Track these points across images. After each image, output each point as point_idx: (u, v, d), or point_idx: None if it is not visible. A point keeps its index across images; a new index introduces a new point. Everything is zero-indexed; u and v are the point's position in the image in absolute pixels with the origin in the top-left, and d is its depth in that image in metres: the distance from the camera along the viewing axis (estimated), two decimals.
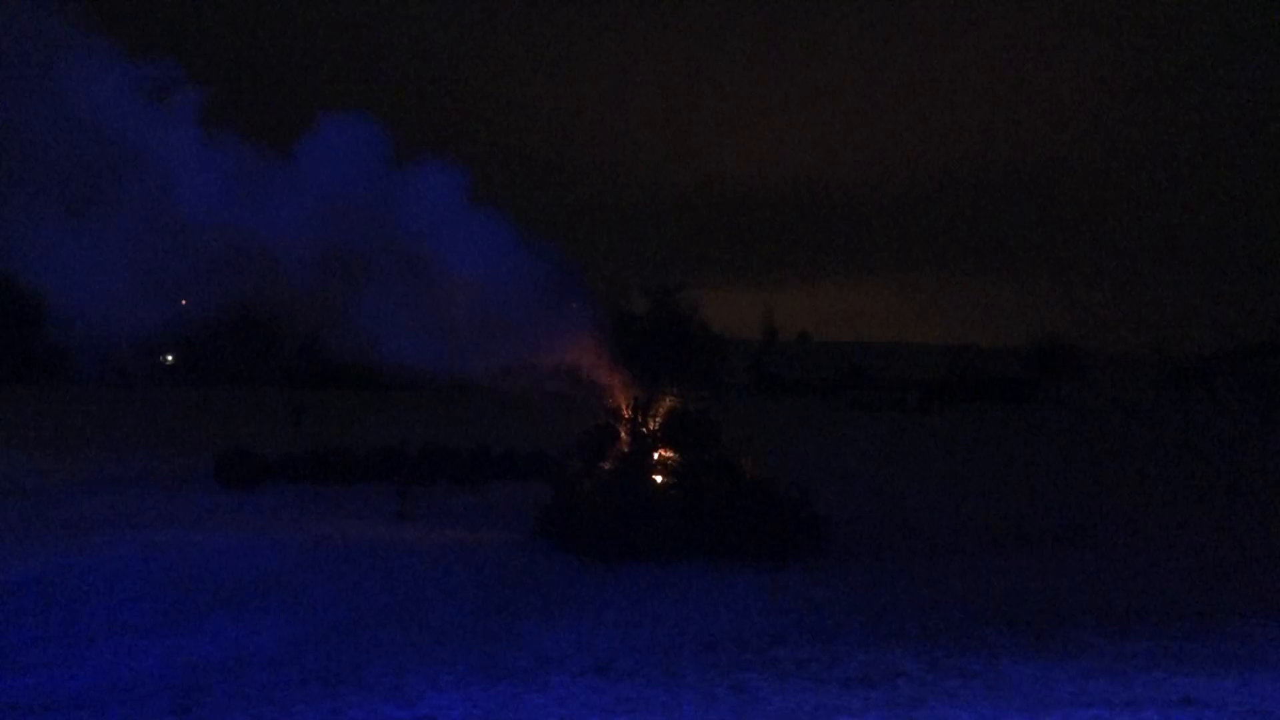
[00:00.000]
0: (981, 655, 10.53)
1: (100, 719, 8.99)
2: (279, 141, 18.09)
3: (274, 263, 17.45)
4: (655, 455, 18.27)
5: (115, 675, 10.34)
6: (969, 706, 8.53)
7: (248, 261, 17.43)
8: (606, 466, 18.14)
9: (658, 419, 18.69)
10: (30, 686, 9.93)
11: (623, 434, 18.53)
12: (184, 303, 17.62)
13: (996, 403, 59.88)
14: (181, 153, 16.58)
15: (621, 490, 17.49)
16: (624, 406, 18.83)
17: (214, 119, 17.03)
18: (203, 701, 9.37)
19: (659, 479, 17.99)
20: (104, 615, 12.88)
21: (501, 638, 11.79)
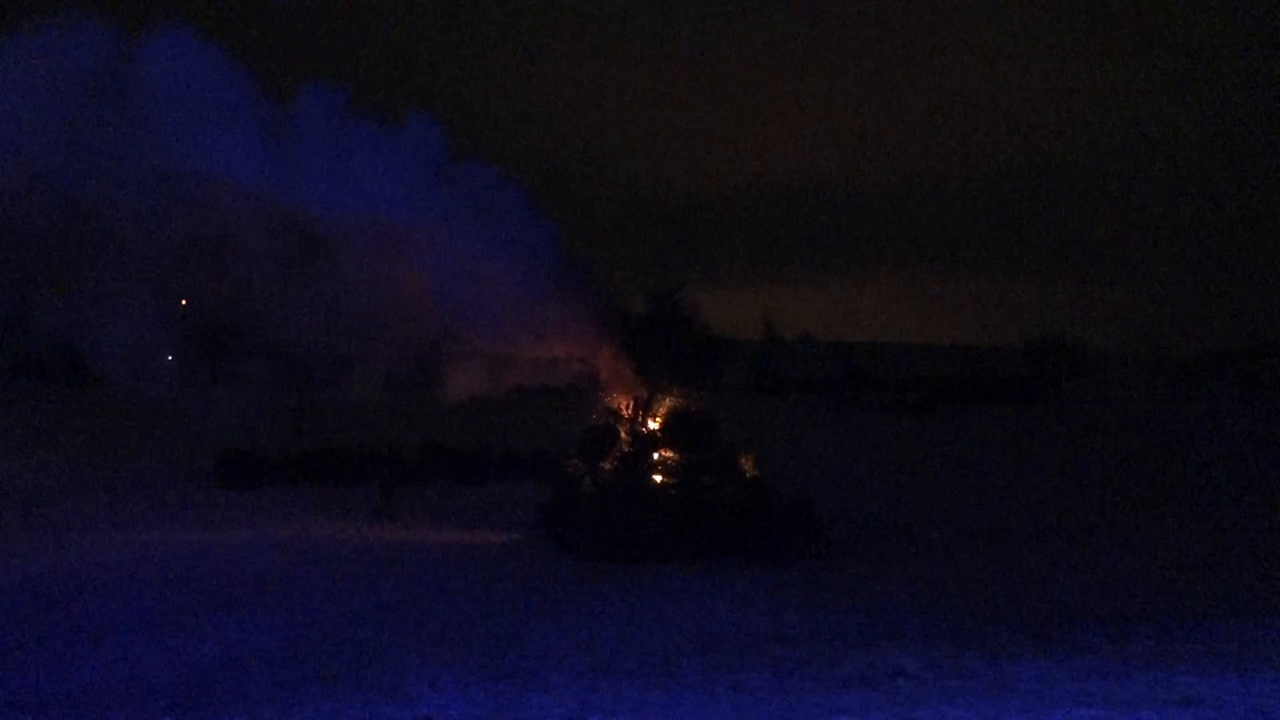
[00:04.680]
0: (981, 655, 10.53)
1: (100, 719, 8.98)
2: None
3: None
4: (655, 455, 18.25)
5: (115, 675, 10.33)
6: (969, 706, 8.52)
7: None
8: (606, 466, 18.12)
9: (658, 419, 18.68)
10: (30, 686, 9.93)
11: (623, 434, 18.52)
12: (184, 302, 16.86)
13: (997, 402, 59.78)
14: None
15: (621, 490, 17.47)
16: (624, 406, 18.82)
17: None
18: (202, 701, 9.37)
19: (659, 479, 17.97)
20: (104, 615, 12.87)
21: (502, 638, 11.78)
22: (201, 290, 15.20)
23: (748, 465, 18.21)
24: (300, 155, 14.17)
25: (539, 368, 18.96)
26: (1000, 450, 36.36)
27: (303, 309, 15.07)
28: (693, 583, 14.96)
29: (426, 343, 16.79)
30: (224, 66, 13.88)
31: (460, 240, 15.14)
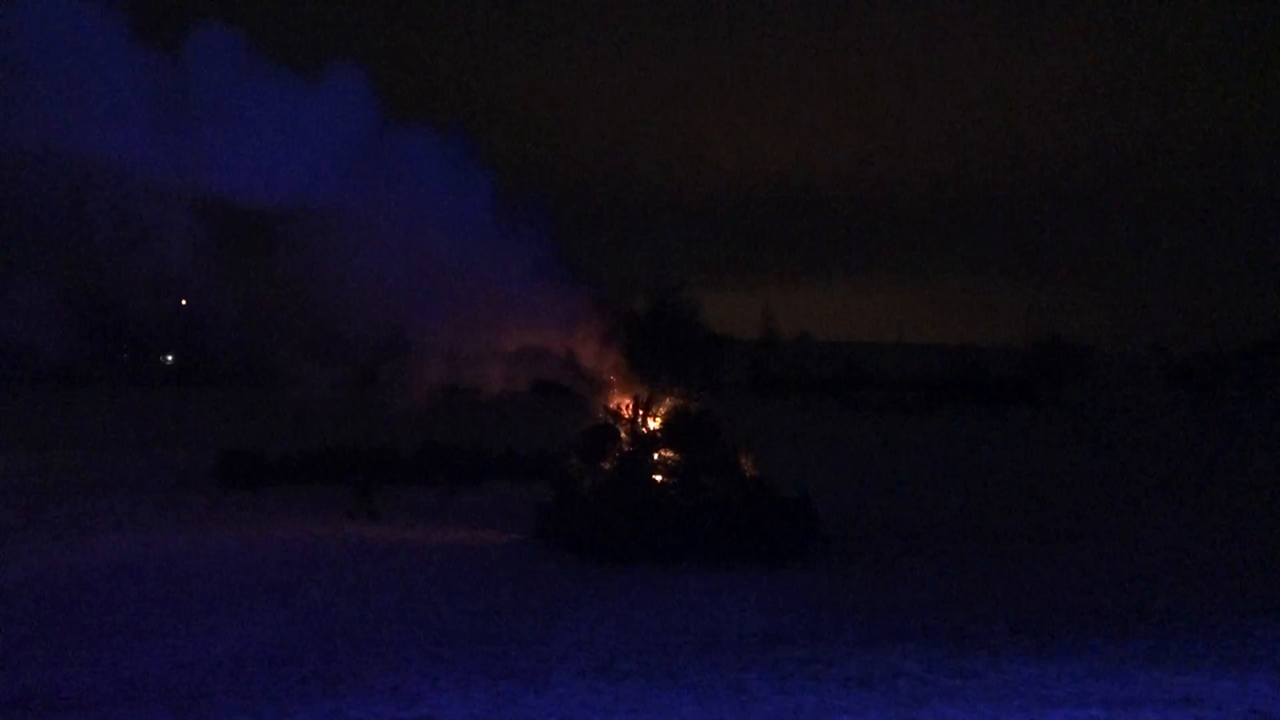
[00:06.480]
0: (981, 655, 10.53)
1: (100, 719, 8.98)
2: None
3: None
4: (655, 455, 18.25)
5: (115, 675, 10.33)
6: (969, 706, 8.52)
7: None
8: (606, 466, 18.12)
9: (658, 419, 18.67)
10: (30, 686, 9.93)
11: (623, 434, 18.51)
12: (184, 302, 16.60)
13: (997, 403, 59.82)
14: None
15: (621, 490, 17.47)
16: (624, 406, 18.81)
17: None
18: (203, 701, 9.37)
19: (659, 479, 17.97)
20: (104, 615, 12.87)
21: (502, 638, 11.78)
22: (103, 280, 13.10)
23: (748, 465, 18.20)
24: (194, 119, 11.65)
25: (511, 364, 18.51)
26: (1000, 451, 36.35)
27: (224, 303, 13.43)
28: (693, 583, 14.96)
29: (368, 342, 14.91)
30: (99, 14, 11.39)
31: (398, 220, 13.11)
